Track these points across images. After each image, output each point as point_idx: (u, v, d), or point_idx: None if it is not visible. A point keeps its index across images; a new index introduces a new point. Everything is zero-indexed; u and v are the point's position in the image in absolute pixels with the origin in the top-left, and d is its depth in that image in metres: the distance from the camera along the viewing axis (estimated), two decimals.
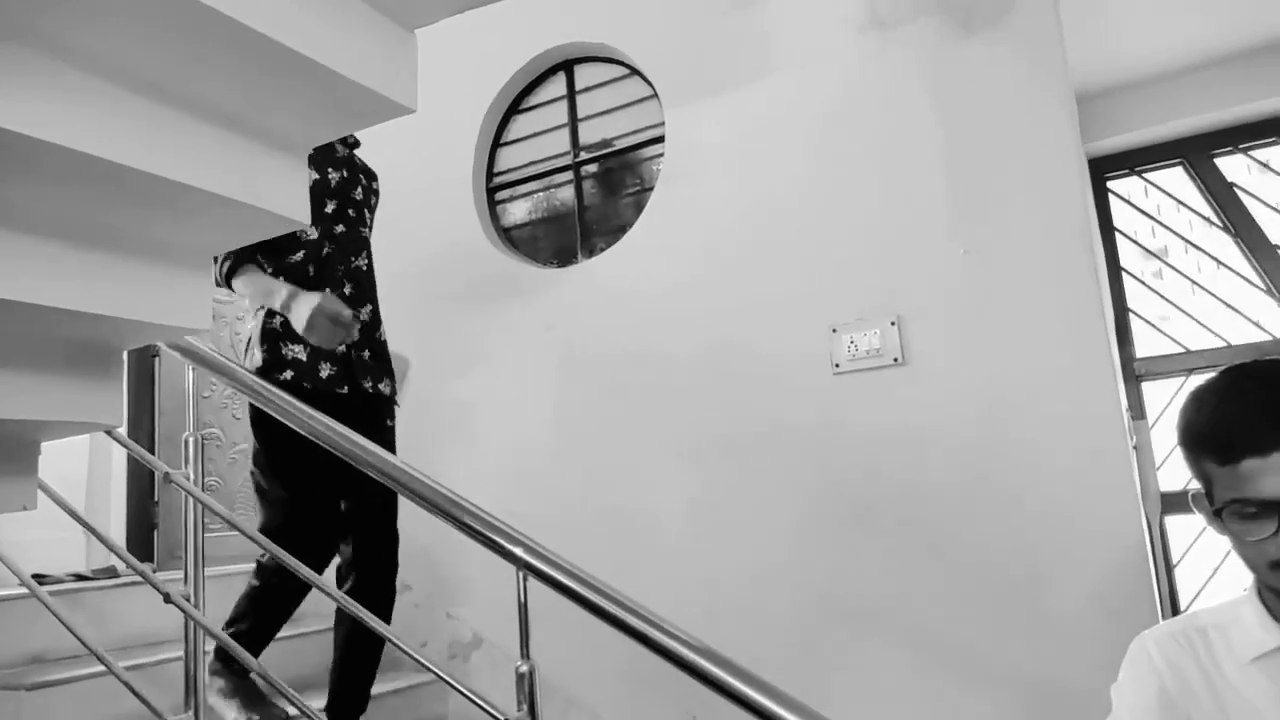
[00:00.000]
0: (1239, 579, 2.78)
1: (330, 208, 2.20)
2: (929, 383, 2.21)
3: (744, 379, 2.44)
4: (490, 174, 3.06)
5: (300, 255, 2.13)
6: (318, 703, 2.10)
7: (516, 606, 1.41)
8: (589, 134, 2.92)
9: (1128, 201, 3.08)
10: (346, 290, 2.18)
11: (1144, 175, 3.05)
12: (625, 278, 2.68)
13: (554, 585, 1.37)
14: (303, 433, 1.72)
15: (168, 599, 1.65)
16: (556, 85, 2.98)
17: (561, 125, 2.96)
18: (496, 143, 3.07)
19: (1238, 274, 2.90)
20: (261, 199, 1.10)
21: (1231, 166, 2.93)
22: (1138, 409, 2.92)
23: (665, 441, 2.55)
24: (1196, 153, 2.95)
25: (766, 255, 2.45)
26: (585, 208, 2.93)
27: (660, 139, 2.73)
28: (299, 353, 2.10)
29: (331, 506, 2.12)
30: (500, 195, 3.05)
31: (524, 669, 1.38)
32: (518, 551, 1.40)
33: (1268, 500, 0.95)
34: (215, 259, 2.08)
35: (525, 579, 1.41)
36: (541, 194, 3.03)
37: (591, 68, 2.92)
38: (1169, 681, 1.10)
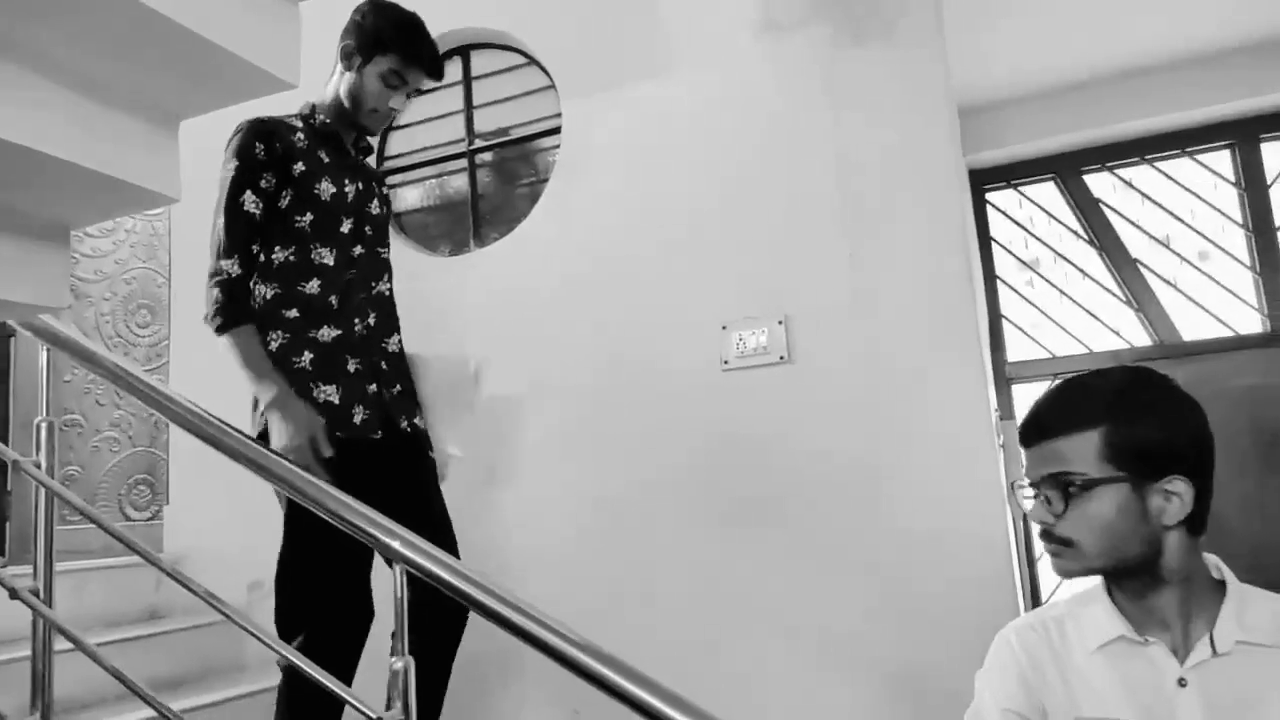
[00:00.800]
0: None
1: (347, 226, 1.93)
2: (813, 380, 2.26)
3: (635, 375, 2.45)
4: (381, 157, 2.98)
5: (317, 284, 1.87)
6: (179, 704, 2.00)
7: (393, 602, 1.38)
8: (485, 121, 2.88)
9: (1004, 213, 3.23)
10: (371, 320, 1.96)
11: (1020, 188, 3.21)
12: (518, 269, 2.65)
13: (433, 580, 1.34)
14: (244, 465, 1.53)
15: (14, 595, 1.55)
16: (453, 70, 2.92)
17: (457, 111, 2.90)
18: (389, 125, 2.99)
19: (1100, 285, 3.08)
20: (129, 172, 1.03)
21: (1098, 183, 3.11)
22: (1007, 410, 3.07)
23: (554, 437, 2.54)
24: (1067, 169, 3.12)
25: (660, 252, 2.47)
26: (480, 196, 2.88)
27: (557, 130, 2.71)
28: (331, 394, 1.84)
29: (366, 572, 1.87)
30: (392, 180, 2.97)
31: (398, 666, 1.34)
32: (395, 545, 1.36)
33: (1029, 480, 1.13)
34: (210, 278, 1.81)
35: (403, 574, 1.38)
36: (435, 181, 2.96)
37: (489, 54, 2.88)
38: (1027, 669, 1.17)
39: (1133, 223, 3.05)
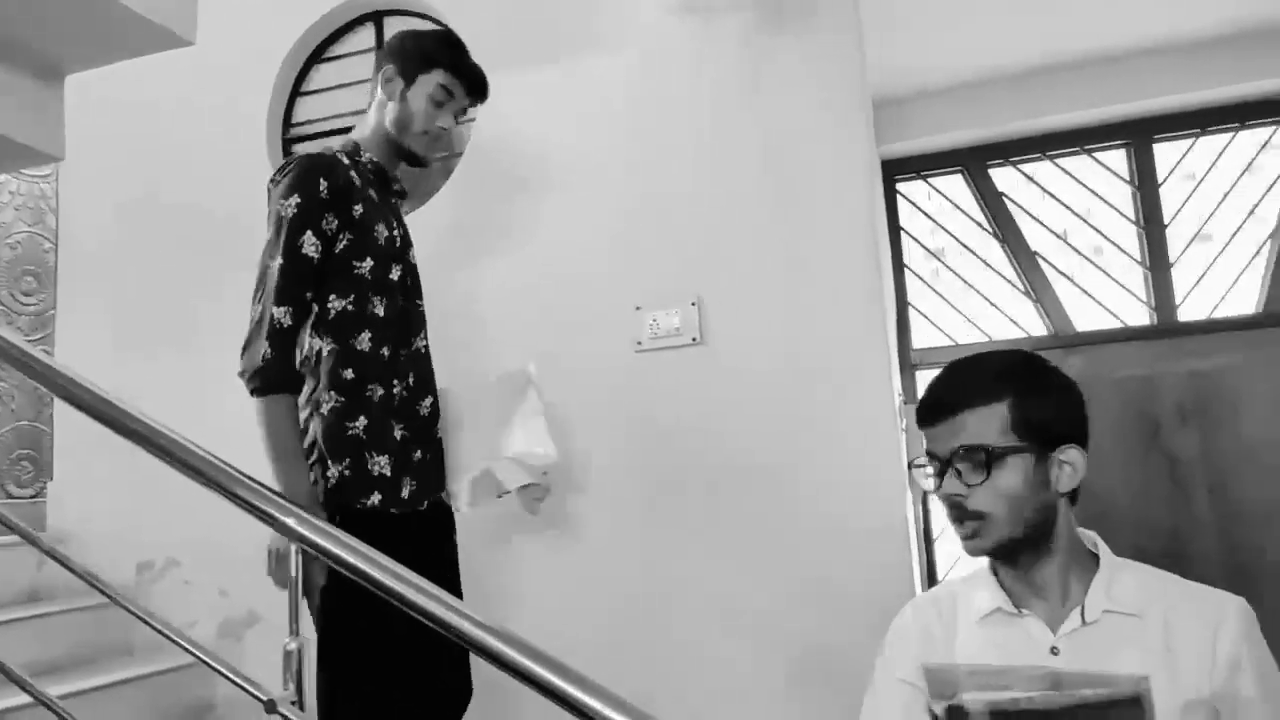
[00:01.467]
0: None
1: (396, 274, 1.78)
2: (725, 363, 2.28)
3: (549, 356, 2.43)
4: (288, 123, 2.87)
5: (368, 339, 1.70)
6: (59, 689, 1.91)
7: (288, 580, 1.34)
8: None
9: (914, 204, 3.31)
10: (410, 380, 1.78)
11: (929, 180, 3.29)
12: (431, 245, 2.59)
13: (330, 559, 1.31)
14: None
15: None
16: (365, 36, 2.83)
17: (368, 79, 2.81)
18: (296, 91, 2.88)
19: (1001, 275, 3.19)
20: (8, 127, 0.97)
21: (1003, 178, 3.21)
22: (911, 395, 3.16)
23: None
24: (974, 163, 3.21)
25: (576, 231, 2.44)
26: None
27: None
28: (384, 466, 1.68)
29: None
30: (299, 147, 2.87)
31: (292, 646, 1.31)
32: (290, 523, 1.32)
33: (932, 454, 1.17)
34: (257, 324, 1.62)
35: (299, 551, 1.34)
36: None
37: (402, 22, 2.80)
38: (920, 641, 1.23)
39: (1033, 217, 3.17)
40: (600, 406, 2.36)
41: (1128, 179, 3.08)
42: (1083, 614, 1.12)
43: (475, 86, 1.87)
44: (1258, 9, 2.71)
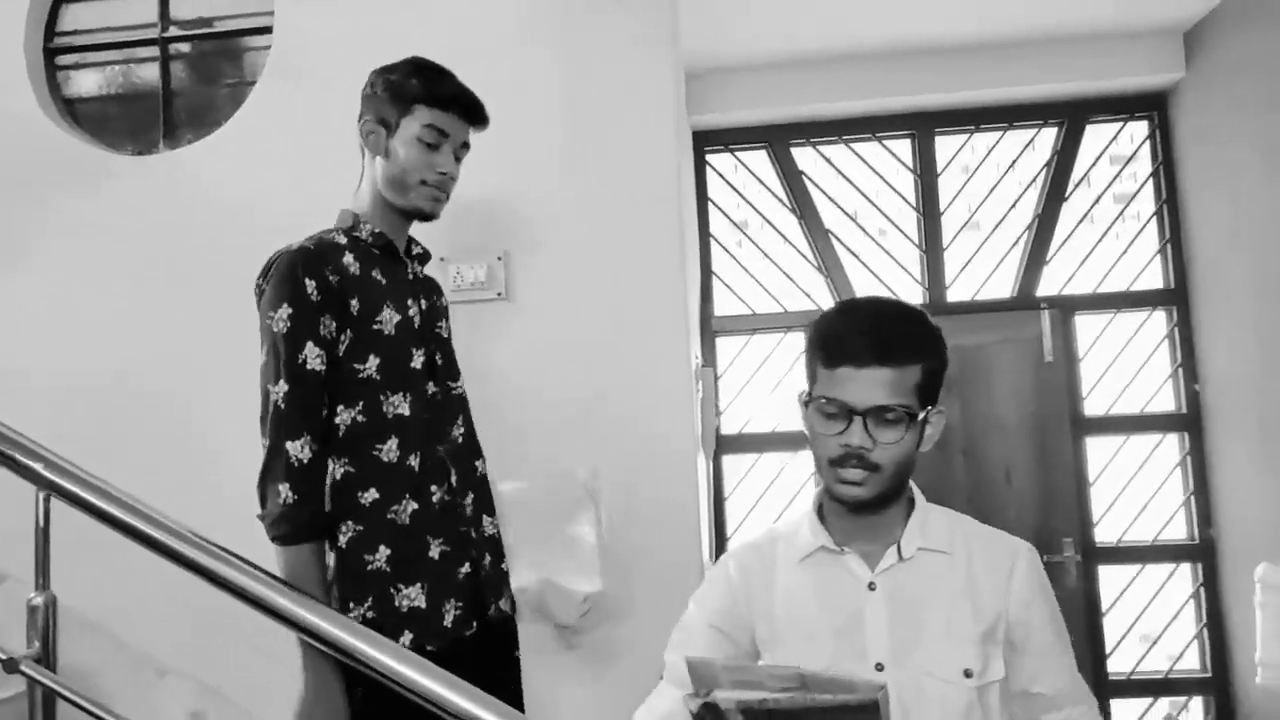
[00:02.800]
0: (779, 511, 3.27)
1: (419, 360, 1.55)
2: (529, 318, 2.28)
3: None
4: (51, 31, 2.57)
5: (395, 446, 1.47)
6: None
7: (34, 531, 1.23)
8: (184, 7, 2.56)
9: (721, 175, 3.42)
10: (453, 480, 1.56)
11: (736, 154, 3.40)
12: (215, 176, 2.41)
13: (83, 507, 1.21)
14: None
15: None
16: None
17: None
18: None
19: (798, 251, 3.36)
20: None
21: (803, 156, 3.37)
22: (710, 359, 3.28)
23: (252, 366, 2.34)
24: (778, 140, 3.35)
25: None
26: (173, 92, 2.57)
27: (269, 29, 2.47)
28: (416, 597, 1.45)
29: None
30: (64, 60, 2.57)
31: (38, 601, 1.21)
32: (38, 468, 1.21)
33: (844, 404, 1.15)
34: (269, 466, 1.41)
35: (48, 499, 1.23)
36: (119, 68, 2.61)
37: None
38: (738, 587, 1.28)
39: (828, 196, 3.35)
40: None
41: (911, 167, 3.33)
42: (899, 551, 1.20)
43: (469, 113, 1.61)
44: (1033, 20, 2.98)
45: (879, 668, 1.16)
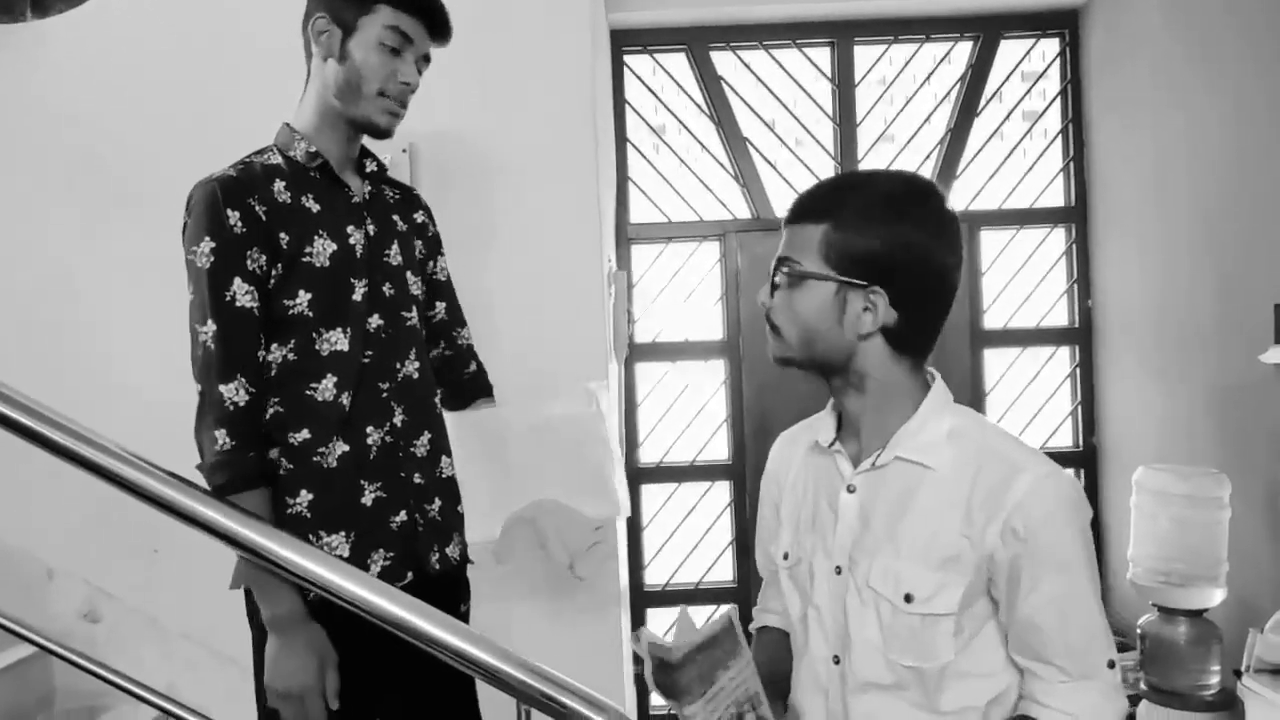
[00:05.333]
0: (689, 418, 3.31)
1: (359, 291, 1.44)
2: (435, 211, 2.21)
3: None
4: None
5: (331, 383, 1.39)
6: None
7: None
8: None
9: (639, 78, 3.34)
10: (398, 420, 1.46)
11: (655, 55, 3.32)
12: (91, 47, 2.23)
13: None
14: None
15: None
16: None
17: None
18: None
19: (715, 158, 3.33)
20: None
21: (723, 61, 3.31)
22: (625, 265, 3.26)
23: (133, 257, 2.23)
24: (697, 43, 3.28)
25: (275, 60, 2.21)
26: None
27: None
28: (340, 546, 1.39)
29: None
30: None
31: None
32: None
33: (781, 257, 1.13)
34: (203, 412, 1.33)
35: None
36: None
37: None
38: (771, 473, 1.32)
39: (746, 103, 3.31)
40: None
41: (830, 76, 3.31)
42: (876, 457, 1.12)
43: (434, 22, 1.49)
44: None
45: (837, 570, 1.15)
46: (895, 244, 1.07)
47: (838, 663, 1.14)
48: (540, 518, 1.62)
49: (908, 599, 1.07)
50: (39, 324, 2.24)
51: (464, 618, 1.59)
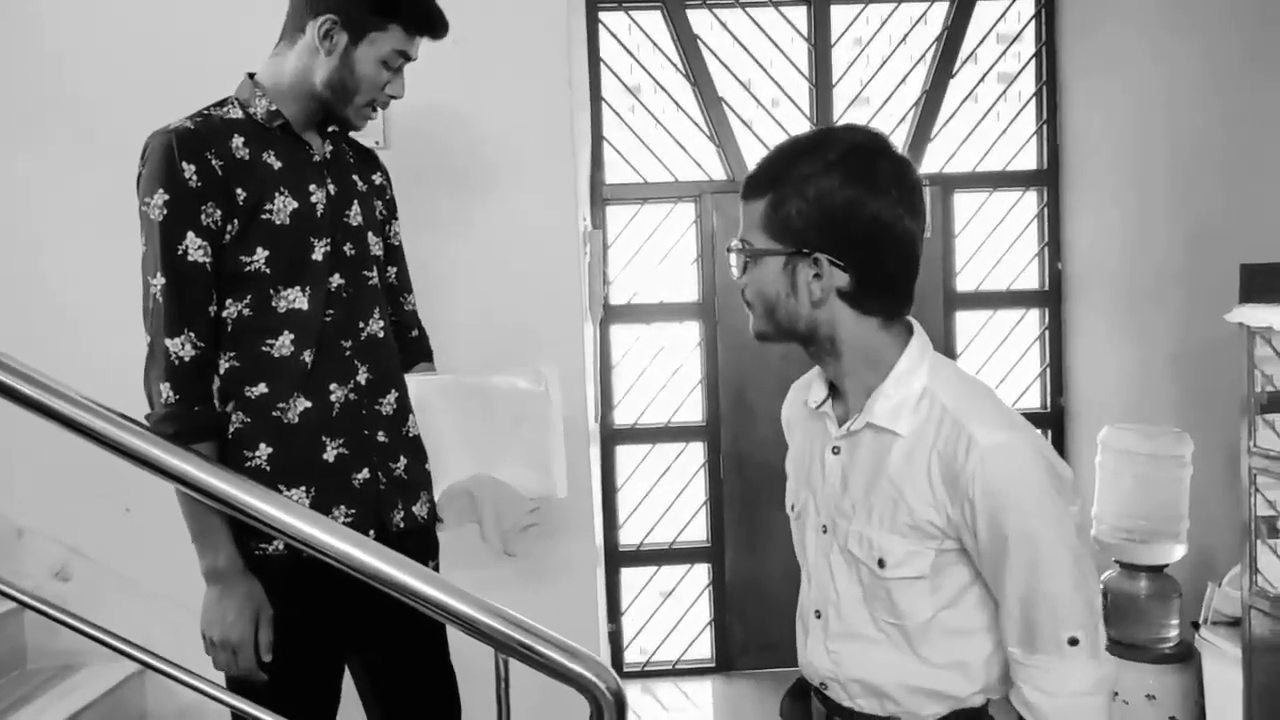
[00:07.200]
0: (664, 380, 3.32)
1: (320, 251, 1.41)
2: (409, 169, 2.16)
3: None
4: None
5: (289, 340, 1.38)
6: None
7: None
8: None
9: (615, 36, 3.30)
10: (362, 378, 1.45)
11: (631, 13, 3.28)
12: None
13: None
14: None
15: None
16: None
17: None
18: None
19: (690, 119, 3.31)
20: None
21: (699, 19, 3.28)
22: (600, 225, 3.24)
23: (100, 207, 2.18)
24: (674, 1, 3.24)
25: (245, 9, 2.16)
26: None
27: None
28: (299, 500, 1.38)
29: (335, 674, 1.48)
30: None
31: None
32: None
33: (744, 241, 1.12)
34: (150, 365, 1.33)
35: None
36: None
37: None
38: (788, 419, 1.31)
39: (723, 63, 3.29)
40: None
41: (806, 36, 3.29)
42: (851, 422, 1.12)
43: (436, 35, 1.49)
44: None
45: (824, 529, 1.16)
46: (829, 205, 1.04)
47: (819, 616, 1.17)
48: (477, 491, 1.62)
49: (881, 564, 1.08)
50: (10, 278, 2.19)
51: (435, 570, 1.58)
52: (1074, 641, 1.02)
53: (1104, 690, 1.04)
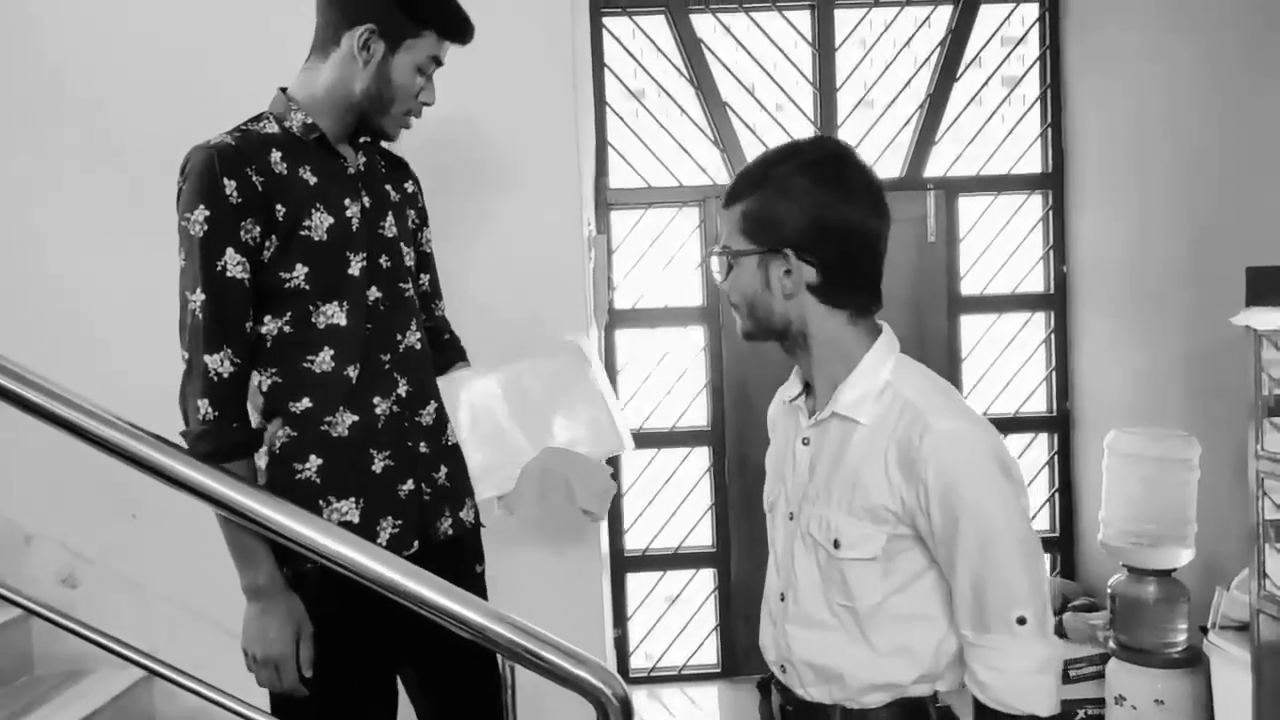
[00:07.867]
0: (669, 384, 3.32)
1: (357, 266, 1.41)
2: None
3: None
4: None
5: (329, 355, 1.38)
6: None
7: None
8: None
9: (619, 41, 3.30)
10: (402, 390, 1.46)
11: (634, 17, 3.28)
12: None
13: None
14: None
15: None
16: None
17: None
18: None
19: (694, 123, 3.32)
20: None
21: (702, 24, 3.28)
22: (605, 229, 3.24)
23: (110, 214, 2.19)
24: (677, 5, 3.24)
25: (263, 17, 2.17)
26: None
27: None
28: (349, 512, 1.39)
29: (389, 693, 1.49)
30: None
31: None
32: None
33: (724, 246, 1.20)
34: (187, 380, 1.32)
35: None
36: None
37: None
38: (770, 421, 1.38)
39: (726, 67, 3.29)
40: None
41: (810, 41, 3.29)
42: (817, 413, 1.20)
43: (467, 39, 1.51)
44: None
45: (790, 517, 1.23)
46: (800, 205, 1.12)
47: (783, 599, 1.23)
48: (552, 465, 1.64)
49: (836, 545, 1.14)
50: (14, 281, 2.20)
51: (480, 579, 1.60)
52: (1023, 620, 1.06)
53: (1052, 670, 1.08)
